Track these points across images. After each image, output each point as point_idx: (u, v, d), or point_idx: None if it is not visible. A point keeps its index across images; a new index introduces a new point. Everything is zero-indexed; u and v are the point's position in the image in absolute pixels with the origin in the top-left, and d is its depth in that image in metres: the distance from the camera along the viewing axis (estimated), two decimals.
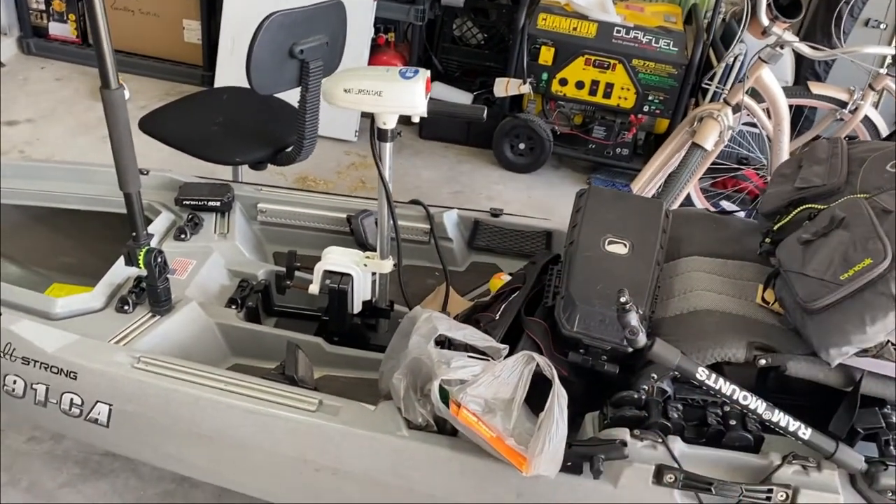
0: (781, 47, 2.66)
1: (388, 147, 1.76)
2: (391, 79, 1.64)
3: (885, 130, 3.10)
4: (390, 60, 4.05)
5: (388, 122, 1.71)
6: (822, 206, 1.68)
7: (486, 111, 1.75)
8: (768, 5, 2.59)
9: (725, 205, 3.62)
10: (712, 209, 3.51)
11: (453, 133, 4.10)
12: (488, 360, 1.54)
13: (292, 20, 2.27)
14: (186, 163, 2.52)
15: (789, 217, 1.75)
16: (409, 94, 1.64)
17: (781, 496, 1.46)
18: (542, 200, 3.78)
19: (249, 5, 2.56)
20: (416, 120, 1.70)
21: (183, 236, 2.05)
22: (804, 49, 2.67)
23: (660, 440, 1.49)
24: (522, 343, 1.72)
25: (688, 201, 3.39)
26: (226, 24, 3.90)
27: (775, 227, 1.77)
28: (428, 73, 1.67)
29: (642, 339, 1.41)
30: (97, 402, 1.64)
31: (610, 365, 1.62)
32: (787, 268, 1.60)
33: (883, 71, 2.81)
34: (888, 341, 1.47)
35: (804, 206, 1.73)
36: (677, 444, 1.50)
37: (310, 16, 2.34)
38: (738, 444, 1.53)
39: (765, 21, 2.62)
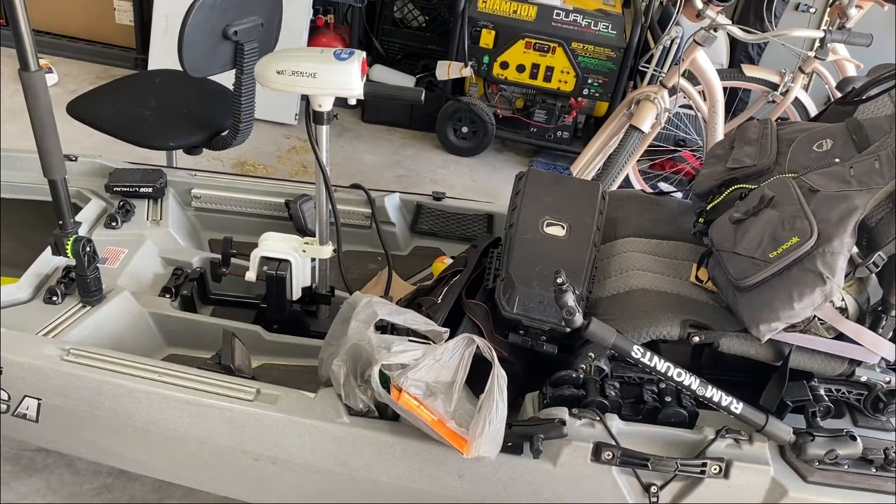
0: (715, 30, 2.71)
1: (324, 130, 1.73)
2: (326, 60, 1.61)
3: (814, 112, 3.19)
4: (330, 42, 3.99)
5: (324, 105, 1.68)
6: (753, 186, 1.72)
7: (423, 93, 1.73)
8: None
9: (663, 186, 3.69)
10: (650, 190, 3.58)
11: (397, 116, 4.07)
12: (429, 344, 1.53)
13: (225, 1, 2.22)
14: (120, 148, 2.45)
15: (721, 197, 1.79)
16: (344, 75, 1.61)
17: (715, 469, 1.50)
18: (486, 183, 3.79)
19: None
20: (352, 102, 1.68)
21: (114, 224, 1.98)
22: (736, 32, 2.73)
23: (597, 418, 1.52)
24: (463, 326, 1.72)
25: (626, 183, 3.44)
26: (158, 4, 3.78)
27: (708, 208, 1.81)
28: (363, 54, 1.64)
29: (579, 319, 1.42)
30: (25, 396, 1.58)
31: (549, 345, 1.63)
32: (719, 247, 1.64)
33: (811, 54, 2.88)
34: (814, 316, 1.52)
35: (736, 187, 1.77)
36: (615, 421, 1.53)
37: None
38: (674, 419, 1.56)
39: (698, 4, 2.66)
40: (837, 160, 1.63)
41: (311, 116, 1.70)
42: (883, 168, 1.51)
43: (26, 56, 1.43)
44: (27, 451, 2.11)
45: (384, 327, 1.63)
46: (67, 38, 4.15)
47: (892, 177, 1.49)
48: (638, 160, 3.46)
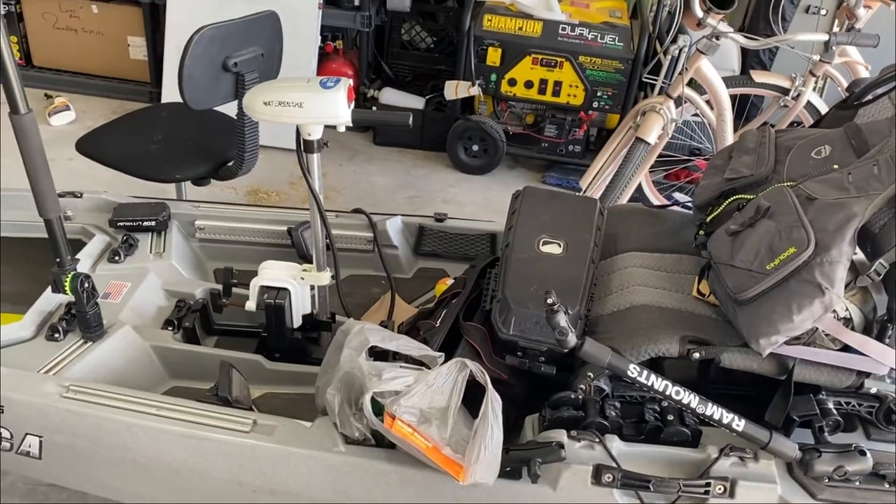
0: (717, 38, 2.67)
1: (315, 158, 1.73)
2: (311, 89, 1.62)
3: None
4: (339, 68, 4.02)
5: (314, 133, 1.69)
6: (751, 196, 1.68)
7: (411, 117, 1.73)
8: None
9: (678, 196, 3.64)
10: (665, 201, 3.53)
11: (408, 138, 4.08)
12: (422, 370, 1.52)
13: (224, 33, 2.25)
14: (135, 181, 2.48)
15: (720, 208, 1.75)
16: (330, 104, 1.61)
17: (719, 489, 1.46)
18: (498, 201, 3.77)
19: (193, 19, 2.55)
20: (341, 129, 1.68)
21: (117, 258, 2.00)
22: (739, 39, 2.69)
23: (597, 440, 1.49)
24: (461, 349, 1.70)
25: (640, 194, 3.41)
26: (170, 39, 3.85)
27: (707, 219, 1.78)
28: (350, 81, 1.65)
29: (572, 340, 1.40)
30: (27, 434, 1.60)
31: (547, 366, 1.61)
32: (717, 259, 1.60)
33: (816, 58, 2.83)
34: (816, 328, 1.47)
35: (734, 198, 1.73)
36: (615, 442, 1.49)
37: (242, 28, 2.32)
38: (676, 438, 1.52)
39: (699, 13, 2.63)
40: (836, 166, 1.59)
41: (301, 146, 1.71)
42: (882, 173, 1.47)
43: (15, 100, 1.46)
44: (41, 486, 2.13)
45: (384, 353, 1.62)
46: (84, 76, 4.24)
47: (892, 182, 1.44)
48: (652, 170, 3.42)
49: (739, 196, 1.72)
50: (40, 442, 1.60)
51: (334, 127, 1.68)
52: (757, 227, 1.54)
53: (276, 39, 2.47)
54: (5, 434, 1.61)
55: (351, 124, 1.66)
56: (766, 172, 1.71)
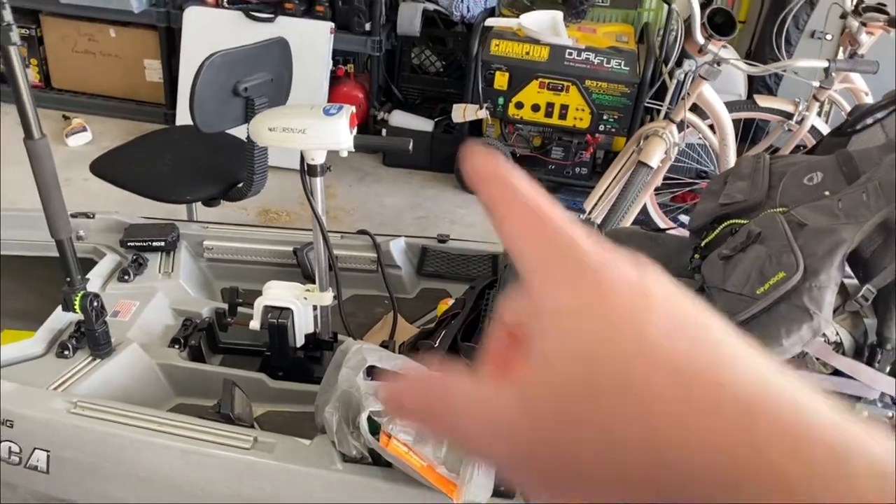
0: (719, 64, 2.71)
1: (318, 182, 1.78)
2: (314, 116, 1.67)
3: None
4: (350, 91, 4.10)
5: (317, 158, 1.74)
6: (744, 221, 1.71)
7: (412, 142, 1.78)
8: (702, 24, 2.65)
9: (684, 219, 3.66)
10: (671, 224, 3.55)
11: (417, 159, 4.13)
12: None
13: (234, 59, 2.32)
14: (146, 203, 2.54)
15: (715, 233, 1.78)
16: (332, 130, 1.66)
17: None
18: None
19: (207, 43, 2.63)
20: (343, 155, 1.73)
21: (126, 277, 2.06)
22: (740, 65, 2.73)
23: None
24: None
25: (647, 217, 3.43)
26: (185, 62, 3.94)
27: (702, 244, 1.80)
28: (352, 108, 1.70)
29: None
30: (35, 449, 1.64)
31: None
32: (710, 283, 1.63)
33: (816, 83, 2.86)
34: (806, 353, 1.49)
35: (728, 223, 1.76)
36: None
37: (252, 54, 2.39)
38: None
39: (700, 39, 2.67)
40: (827, 193, 1.62)
41: (304, 170, 1.76)
42: (870, 200, 1.49)
43: (30, 125, 1.52)
44: (53, 502, 2.17)
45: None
46: (102, 98, 4.34)
47: (879, 208, 1.47)
48: (658, 193, 3.45)
49: (733, 221, 1.75)
50: (48, 456, 1.65)
51: (337, 152, 1.74)
52: (748, 252, 1.57)
53: (284, 65, 2.54)
54: (14, 448, 1.66)
55: (353, 150, 1.71)
56: (759, 198, 1.73)
